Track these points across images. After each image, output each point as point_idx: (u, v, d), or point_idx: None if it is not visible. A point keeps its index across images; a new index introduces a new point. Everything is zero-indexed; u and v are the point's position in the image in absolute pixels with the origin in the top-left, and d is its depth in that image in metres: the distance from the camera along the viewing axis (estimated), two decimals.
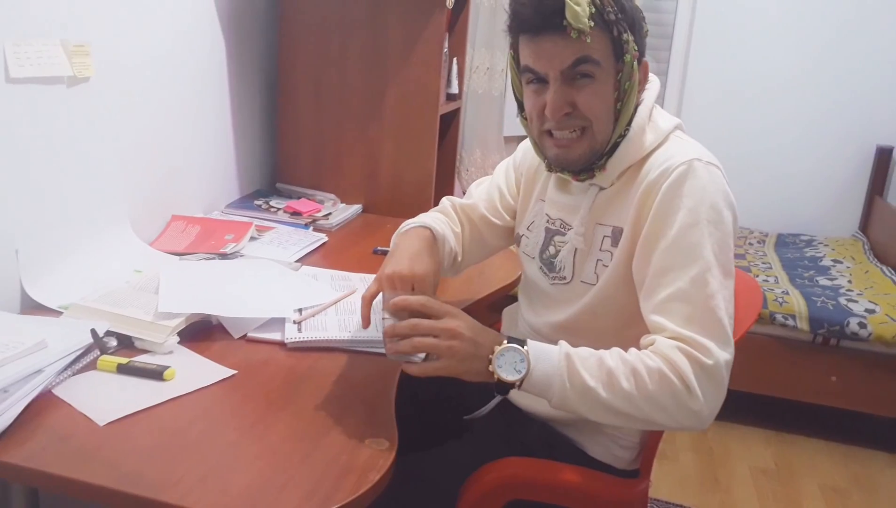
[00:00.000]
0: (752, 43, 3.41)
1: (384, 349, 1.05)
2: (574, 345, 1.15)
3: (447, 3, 2.03)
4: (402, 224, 1.30)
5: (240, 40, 2.06)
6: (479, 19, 3.22)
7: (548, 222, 1.24)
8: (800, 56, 3.37)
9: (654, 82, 1.15)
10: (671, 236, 1.03)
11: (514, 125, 3.26)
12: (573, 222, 1.18)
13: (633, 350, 1.02)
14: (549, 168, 1.18)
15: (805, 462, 2.44)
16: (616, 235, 1.12)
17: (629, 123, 1.10)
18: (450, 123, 2.46)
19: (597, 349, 1.05)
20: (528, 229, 1.29)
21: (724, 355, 0.99)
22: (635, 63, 1.07)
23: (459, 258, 1.36)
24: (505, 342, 1.00)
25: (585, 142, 1.10)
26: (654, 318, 1.03)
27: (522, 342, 1.01)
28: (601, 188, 1.15)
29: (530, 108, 1.12)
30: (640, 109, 1.11)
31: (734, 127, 3.47)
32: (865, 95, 3.34)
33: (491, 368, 0.99)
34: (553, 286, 1.21)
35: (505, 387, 1.00)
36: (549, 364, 1.00)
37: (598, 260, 1.14)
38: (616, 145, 1.11)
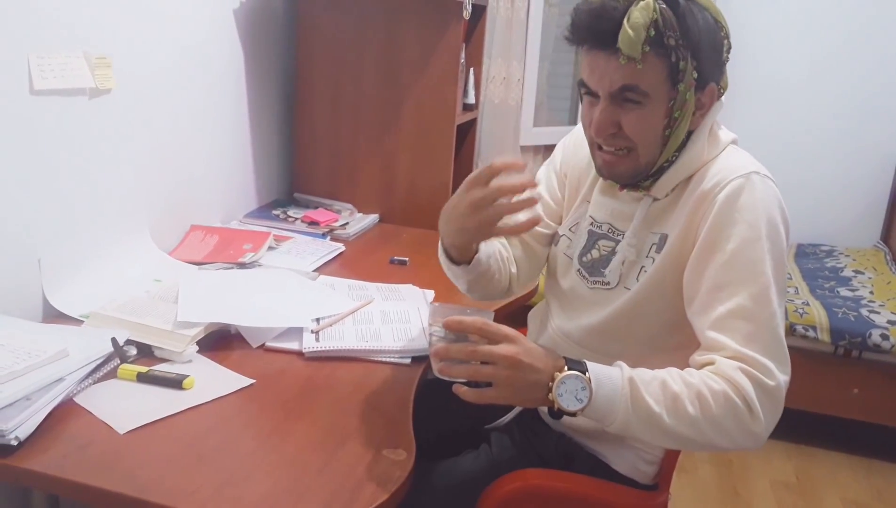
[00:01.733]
0: (772, 50, 3.39)
1: (432, 367, 1.00)
2: (605, 349, 1.15)
3: (464, 14, 2.04)
4: None
5: (257, 52, 2.08)
6: (496, 30, 3.23)
7: (592, 224, 1.22)
8: (820, 63, 3.34)
9: (718, 102, 1.11)
10: (730, 249, 1.00)
11: (530, 135, 3.26)
12: (623, 229, 1.16)
13: (693, 372, 0.98)
14: (600, 173, 1.17)
15: (827, 476, 2.41)
16: (662, 241, 1.10)
17: (680, 148, 1.08)
18: (466, 132, 2.47)
19: (627, 353, 1.03)
20: (570, 230, 1.26)
21: (783, 376, 0.97)
22: (691, 91, 1.03)
23: (515, 272, 1.33)
24: (566, 368, 0.96)
25: (630, 162, 1.08)
26: (713, 335, 0.99)
27: (583, 367, 0.96)
28: (655, 199, 1.12)
29: (583, 119, 1.11)
30: (700, 128, 1.08)
31: (754, 136, 3.42)
32: (887, 104, 3.30)
33: (551, 397, 0.94)
34: (591, 290, 1.18)
35: (562, 414, 0.96)
36: (611, 390, 0.95)
37: (641, 267, 1.12)
38: (668, 164, 1.09)
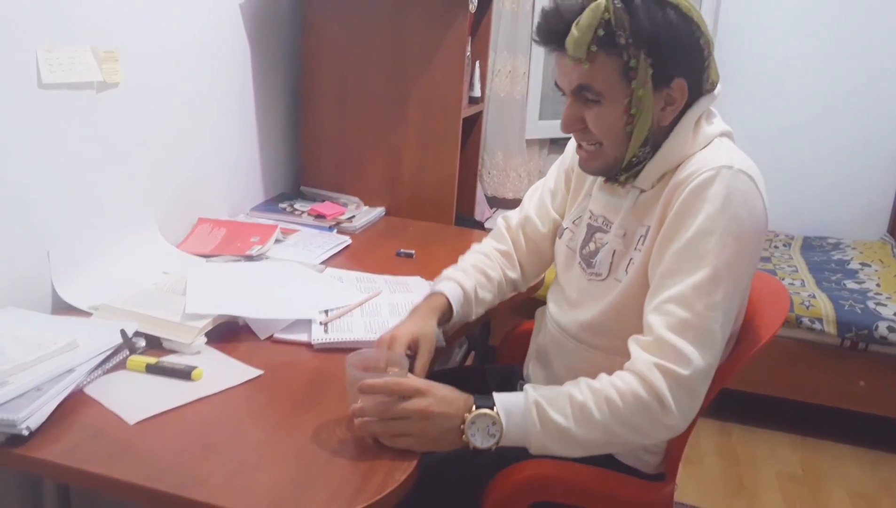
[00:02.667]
0: (778, 42, 3.37)
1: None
2: (599, 345, 1.18)
3: (470, 7, 2.04)
4: (438, 277, 1.35)
5: (264, 46, 2.08)
6: (502, 23, 3.23)
7: (590, 218, 1.24)
8: (827, 55, 3.32)
9: (709, 95, 1.11)
10: (685, 238, 1.01)
11: (535, 128, 3.26)
12: (615, 221, 1.18)
13: (602, 376, 1.02)
14: (580, 168, 1.21)
15: (833, 468, 2.41)
16: (647, 233, 1.11)
17: (660, 141, 1.09)
18: (472, 126, 2.47)
19: (621, 348, 1.05)
20: (573, 223, 1.29)
21: (701, 363, 0.98)
22: (646, 89, 1.04)
23: (518, 275, 1.41)
24: (473, 407, 0.99)
25: (601, 157, 1.12)
26: (649, 317, 1.03)
27: (490, 402, 1.00)
28: (642, 190, 1.14)
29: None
30: (684, 119, 1.09)
31: (759, 128, 3.43)
32: (895, 95, 3.29)
33: (464, 439, 0.98)
34: (590, 283, 1.20)
35: (481, 452, 0.99)
36: (520, 417, 0.99)
37: (630, 259, 1.13)
38: (641, 158, 1.11)
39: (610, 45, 1.01)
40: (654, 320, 1.01)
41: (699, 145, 1.09)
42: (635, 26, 1.01)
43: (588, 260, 1.21)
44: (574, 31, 1.01)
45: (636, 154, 1.10)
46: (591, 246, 1.22)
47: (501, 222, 1.46)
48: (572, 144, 1.34)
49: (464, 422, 0.98)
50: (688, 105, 1.09)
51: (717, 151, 1.08)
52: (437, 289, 1.30)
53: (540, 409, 0.99)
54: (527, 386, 1.03)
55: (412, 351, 1.15)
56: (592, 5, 1.01)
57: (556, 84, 1.13)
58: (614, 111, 1.06)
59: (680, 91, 1.06)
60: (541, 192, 1.41)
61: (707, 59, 1.08)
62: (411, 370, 1.11)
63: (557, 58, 1.09)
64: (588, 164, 1.16)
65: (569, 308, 1.25)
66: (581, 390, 1.00)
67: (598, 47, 1.02)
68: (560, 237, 1.32)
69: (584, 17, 1.01)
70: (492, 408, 0.99)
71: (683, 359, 0.97)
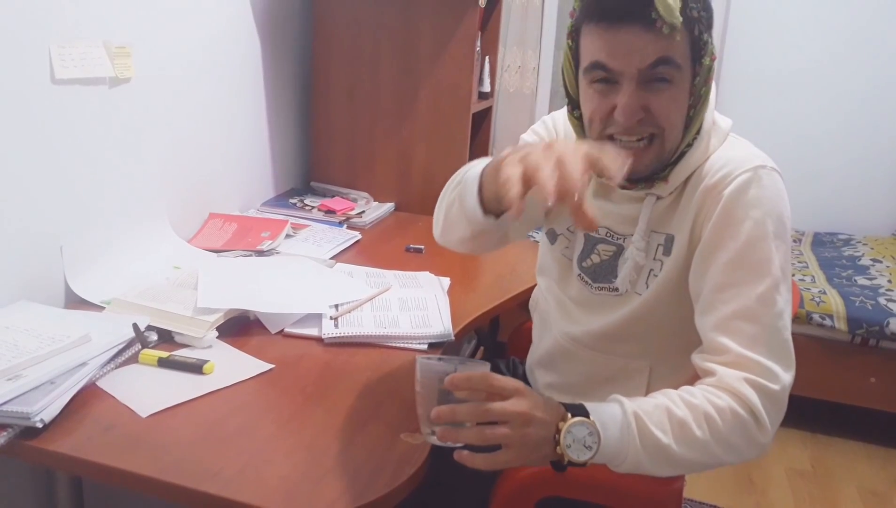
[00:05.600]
0: (788, 36, 3.35)
1: (423, 431, 0.90)
2: (619, 351, 1.12)
3: (479, 2, 2.04)
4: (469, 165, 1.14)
5: (275, 42, 2.09)
6: (511, 18, 3.22)
7: None
8: (837, 49, 3.30)
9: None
10: (735, 248, 0.95)
11: None
12: (621, 232, 1.11)
13: (695, 391, 0.92)
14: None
15: (843, 465, 2.40)
16: (668, 243, 1.05)
17: (698, 131, 1.02)
18: (481, 121, 2.46)
19: (645, 353, 1.02)
20: (568, 229, 1.19)
21: (787, 376, 0.94)
22: (713, 66, 0.97)
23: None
24: (569, 416, 0.86)
25: (653, 151, 1.00)
26: (716, 337, 0.95)
27: (584, 410, 0.88)
28: (658, 197, 1.06)
29: (592, 110, 1.00)
30: (704, 122, 1.03)
31: (769, 123, 3.42)
32: None
33: (559, 450, 0.85)
34: (597, 295, 1.14)
35: (569, 466, 0.87)
36: (617, 430, 0.87)
37: (650, 270, 1.08)
38: (682, 154, 1.03)
39: (685, 18, 0.92)
40: (723, 340, 0.94)
41: (717, 144, 1.05)
42: (704, 1, 0.94)
43: (592, 274, 1.15)
44: None
45: (690, 142, 1.01)
46: (594, 258, 1.15)
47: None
48: (549, 122, 1.22)
49: (558, 431, 0.85)
50: None
51: (739, 149, 1.04)
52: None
53: (640, 422, 0.88)
54: (615, 396, 0.92)
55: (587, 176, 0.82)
56: None
57: (596, 68, 0.97)
58: (683, 92, 0.97)
59: (713, 75, 1.01)
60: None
61: None
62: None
63: (617, 34, 0.93)
64: (638, 162, 0.99)
65: (578, 318, 1.18)
66: (677, 404, 0.90)
67: (682, 17, 0.92)
68: (553, 243, 1.22)
69: None
70: (588, 416, 0.86)
71: (770, 374, 0.92)
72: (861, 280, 2.71)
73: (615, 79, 0.97)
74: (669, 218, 1.06)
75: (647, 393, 1.12)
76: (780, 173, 1.01)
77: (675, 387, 0.95)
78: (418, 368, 0.90)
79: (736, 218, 0.96)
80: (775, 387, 0.92)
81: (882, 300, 2.46)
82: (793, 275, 2.73)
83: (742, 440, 0.91)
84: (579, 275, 1.17)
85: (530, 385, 1.35)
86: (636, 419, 0.88)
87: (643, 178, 1.04)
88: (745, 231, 0.95)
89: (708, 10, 0.96)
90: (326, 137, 2.24)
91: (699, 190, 1.01)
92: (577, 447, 0.85)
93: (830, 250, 3.11)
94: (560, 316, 1.22)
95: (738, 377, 0.92)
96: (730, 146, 1.05)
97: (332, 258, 1.70)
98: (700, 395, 0.91)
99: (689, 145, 1.02)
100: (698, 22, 0.94)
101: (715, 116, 1.07)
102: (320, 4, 2.13)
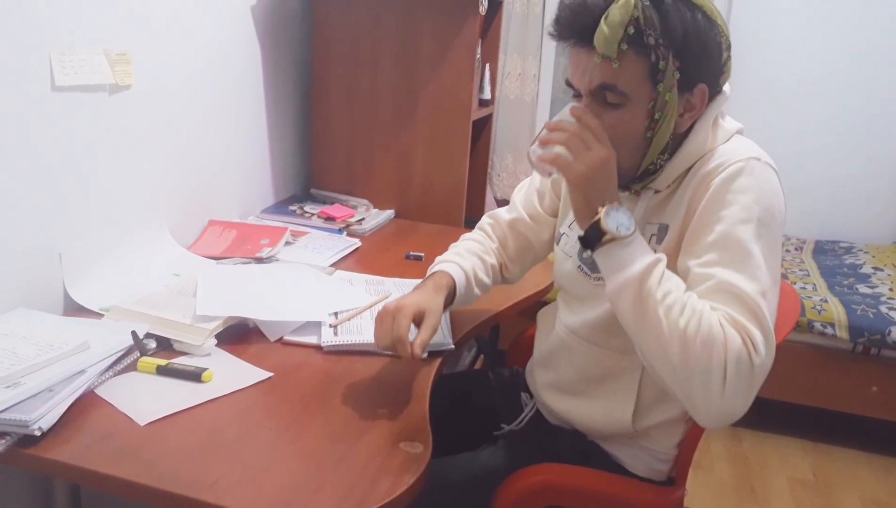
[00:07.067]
0: (790, 44, 3.35)
1: (530, 158, 1.05)
2: (610, 344, 1.15)
3: (480, 9, 2.04)
4: (433, 263, 1.30)
5: (275, 49, 2.09)
6: (512, 25, 3.23)
7: None
8: (839, 57, 3.31)
9: (722, 94, 1.08)
10: (719, 230, 0.97)
11: None
12: None
13: (707, 308, 0.94)
14: None
15: (845, 474, 2.39)
16: (662, 232, 1.08)
17: (677, 145, 1.06)
18: (482, 128, 2.47)
19: (631, 349, 1.03)
20: (569, 226, 1.26)
21: (766, 353, 0.91)
22: (672, 92, 1.00)
23: (507, 269, 1.37)
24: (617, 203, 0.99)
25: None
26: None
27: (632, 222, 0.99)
28: (656, 191, 1.11)
29: None
30: (702, 120, 1.06)
31: (771, 130, 3.41)
32: None
33: (601, 210, 0.98)
34: (595, 285, 1.17)
35: (592, 239, 0.99)
36: (640, 251, 0.98)
37: None
38: (659, 164, 1.06)
39: (639, 45, 0.97)
40: (711, 304, 0.95)
41: (720, 141, 1.07)
42: (666, 27, 0.97)
43: (591, 264, 1.18)
44: (603, 26, 0.96)
45: (654, 161, 1.06)
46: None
47: (486, 219, 1.41)
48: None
49: (605, 203, 0.99)
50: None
51: (739, 145, 1.05)
52: (438, 269, 1.24)
53: (659, 263, 0.97)
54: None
55: (416, 324, 1.09)
56: (622, 1, 0.96)
57: (567, 83, 1.08)
58: (637, 115, 1.02)
59: (700, 97, 1.03)
60: (527, 189, 1.38)
61: (726, 62, 1.05)
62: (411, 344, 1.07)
63: (575, 54, 1.03)
64: None
65: (577, 309, 1.22)
66: (687, 293, 0.95)
67: (627, 46, 0.97)
68: (557, 243, 1.29)
69: (614, 13, 0.96)
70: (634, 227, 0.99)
71: (754, 342, 0.91)
72: (862, 288, 2.70)
73: (580, 93, 1.06)
74: (664, 209, 1.09)
75: (638, 392, 1.13)
76: (775, 170, 1.02)
77: None
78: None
79: (724, 201, 0.98)
80: (756, 358, 0.91)
81: (883, 309, 2.46)
82: (794, 283, 2.70)
83: (704, 355, 0.90)
84: (579, 266, 1.20)
85: (530, 388, 1.35)
86: (658, 262, 0.97)
87: (624, 186, 1.10)
88: (731, 214, 0.97)
89: (672, 35, 0.97)
90: (326, 144, 2.24)
91: (694, 180, 1.04)
92: (613, 222, 0.98)
93: (832, 258, 3.10)
94: (563, 310, 1.27)
95: (728, 316, 0.92)
96: (733, 143, 1.07)
97: (331, 266, 1.70)
98: (707, 309, 0.93)
99: (654, 165, 1.06)
100: (655, 49, 0.97)
101: (719, 118, 1.09)
102: (320, 11, 2.13)
